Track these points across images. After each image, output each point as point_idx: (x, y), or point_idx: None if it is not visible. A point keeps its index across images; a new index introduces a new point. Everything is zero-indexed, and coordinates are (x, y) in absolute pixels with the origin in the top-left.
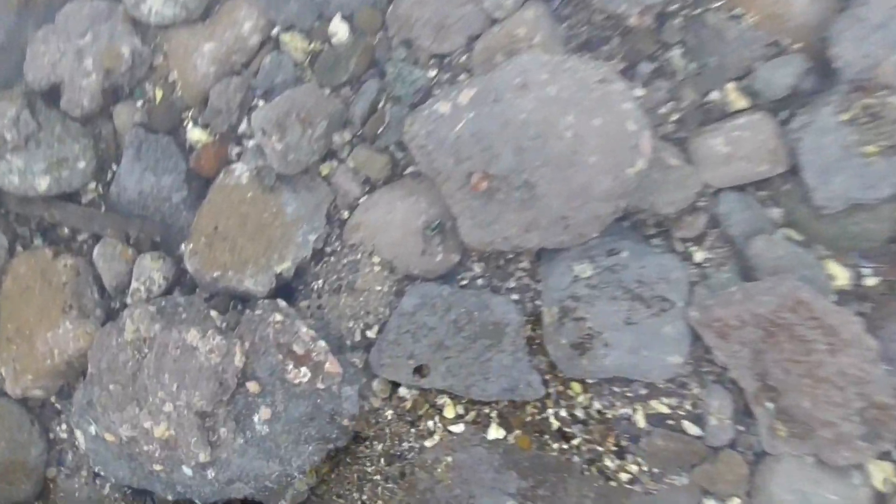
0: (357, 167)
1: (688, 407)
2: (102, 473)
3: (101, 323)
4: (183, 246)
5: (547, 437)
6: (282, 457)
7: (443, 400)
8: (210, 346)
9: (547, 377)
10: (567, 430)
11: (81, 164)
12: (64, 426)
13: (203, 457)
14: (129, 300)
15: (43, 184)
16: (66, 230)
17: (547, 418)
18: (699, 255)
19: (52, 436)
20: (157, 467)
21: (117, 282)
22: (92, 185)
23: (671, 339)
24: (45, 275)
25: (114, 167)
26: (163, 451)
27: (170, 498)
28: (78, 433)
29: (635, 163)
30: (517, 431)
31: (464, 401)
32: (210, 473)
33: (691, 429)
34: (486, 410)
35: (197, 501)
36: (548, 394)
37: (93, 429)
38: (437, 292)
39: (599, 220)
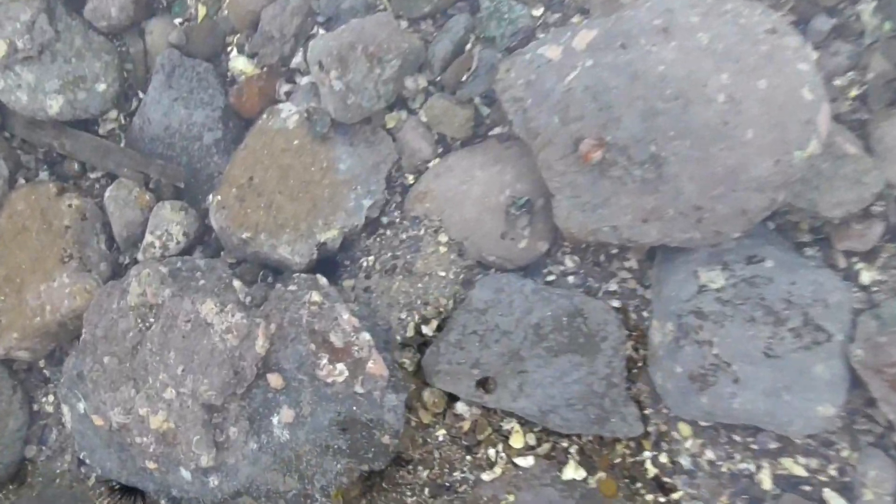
0: (431, 121)
1: (832, 472)
2: (88, 461)
3: (104, 280)
4: (210, 197)
5: (639, 485)
6: (302, 472)
7: (510, 424)
8: (228, 323)
9: (648, 412)
10: (667, 480)
11: (101, 87)
12: (51, 398)
13: (206, 460)
14: (139, 256)
15: (55, 105)
16: (76, 164)
17: (642, 462)
18: (868, 276)
19: (35, 407)
20: (151, 464)
21: (129, 232)
22: (112, 112)
23: (823, 381)
24: (45, 215)
25: (139, 94)
26: (158, 445)
27: (163, 502)
28: (65, 409)
29: (807, 144)
30: (601, 474)
31: (537, 429)
32: (212, 481)
33: (834, 501)
34: (565, 444)
35: None
36: (646, 433)
37: (81, 406)
38: (517, 287)
39: (746, 216)
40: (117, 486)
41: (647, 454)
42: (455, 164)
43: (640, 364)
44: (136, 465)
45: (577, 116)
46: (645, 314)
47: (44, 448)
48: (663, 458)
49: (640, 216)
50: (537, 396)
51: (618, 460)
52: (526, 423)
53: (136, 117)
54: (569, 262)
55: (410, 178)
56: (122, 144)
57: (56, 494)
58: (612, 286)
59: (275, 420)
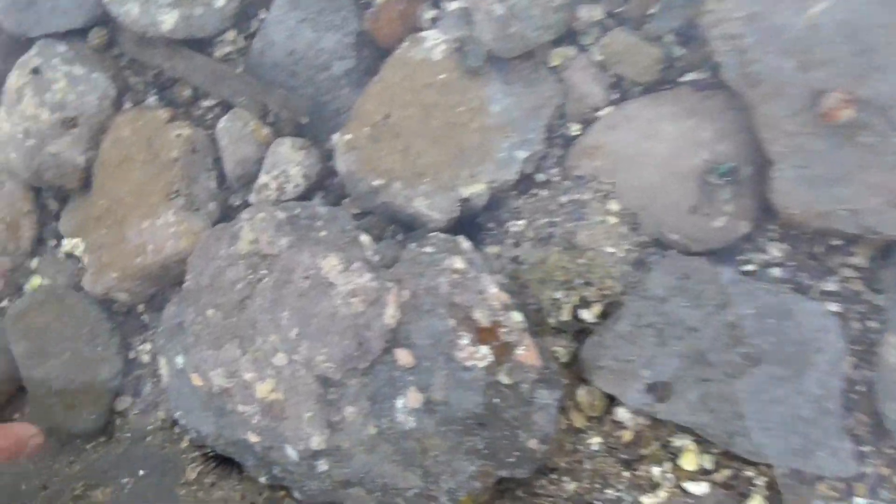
0: (607, 60)
1: None
2: (183, 422)
3: (212, 222)
4: (336, 136)
5: None
6: (427, 468)
7: (683, 441)
8: (353, 285)
9: (866, 449)
10: None
11: (220, 2)
12: (148, 346)
13: (317, 441)
14: (252, 198)
15: (168, 21)
16: (188, 90)
17: None
18: None
19: (131, 355)
20: (253, 437)
21: (242, 170)
22: (230, 33)
23: None
24: (151, 144)
25: (261, 13)
26: (263, 417)
27: (262, 480)
28: (161, 361)
29: None
30: None
31: (716, 450)
32: (321, 465)
33: None
34: (750, 473)
35: (296, 495)
36: (862, 474)
37: (180, 360)
38: (710, 275)
39: None
40: (212, 455)
41: (859, 501)
42: (636, 115)
43: (862, 388)
44: (236, 435)
45: (823, 62)
46: (872, 325)
47: (136, 401)
48: None
49: (892, 200)
50: (724, 413)
51: (818, 503)
52: (703, 443)
53: (257, 39)
54: (774, 251)
55: (575, 129)
56: (240, 70)
57: (145, 454)
58: (830, 285)
59: (400, 404)
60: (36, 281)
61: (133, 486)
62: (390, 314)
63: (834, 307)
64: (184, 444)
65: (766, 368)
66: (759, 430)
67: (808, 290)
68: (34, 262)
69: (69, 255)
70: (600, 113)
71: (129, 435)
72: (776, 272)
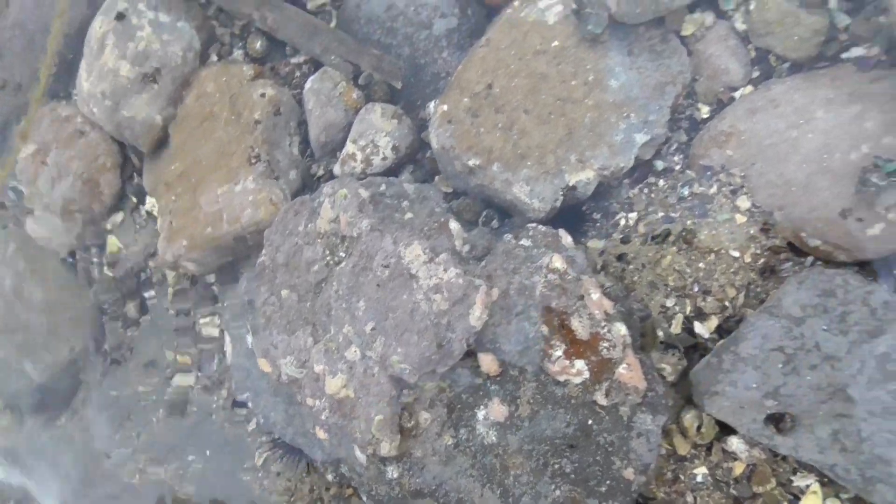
0: (753, 30)
1: None
2: (249, 405)
3: (292, 192)
4: (432, 105)
5: None
6: (507, 487)
7: (806, 482)
8: (437, 279)
9: None
10: None
11: None
12: (217, 320)
13: (387, 447)
14: (336, 169)
15: None
16: (260, 41)
17: None
18: None
19: (197, 328)
20: (321, 433)
21: (327, 137)
22: None
23: None
24: (234, 103)
25: None
26: (332, 414)
27: (329, 478)
28: (227, 338)
29: None
30: None
31: (846, 496)
32: (391, 472)
33: None
34: None
35: (363, 497)
36: None
37: (248, 340)
38: (860, 294)
39: None
40: (280, 443)
41: None
42: (782, 97)
43: None
44: (305, 427)
45: None
46: None
47: (200, 376)
48: None
49: None
50: (862, 455)
51: None
52: (831, 484)
53: None
54: None
55: (705, 111)
56: (333, 25)
57: (210, 431)
58: None
59: (480, 414)
60: (113, 241)
61: (198, 465)
62: (477, 315)
63: None
64: (250, 427)
65: None
66: None
67: None
68: (118, 218)
69: (150, 215)
70: (737, 94)
71: (195, 409)
72: None
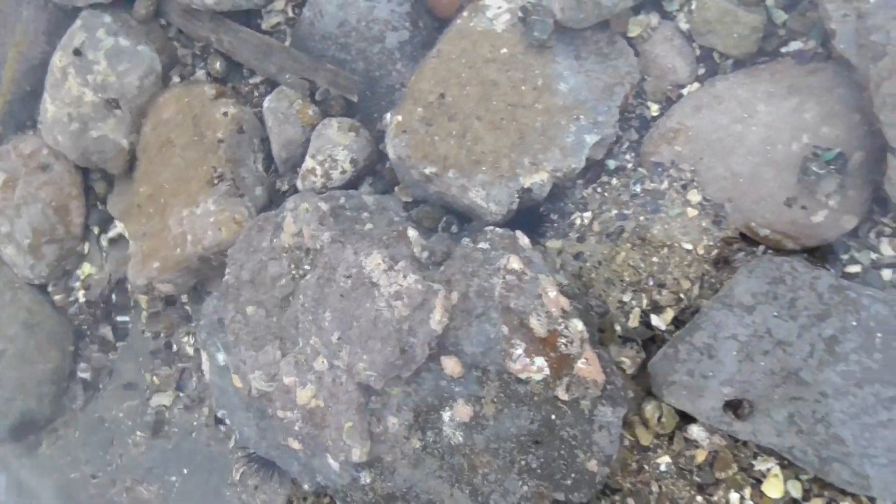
0: (695, 29)
1: None
2: (227, 421)
3: (258, 208)
4: (388, 117)
5: None
6: (476, 487)
7: (766, 465)
8: (398, 286)
9: None
10: None
11: None
12: (192, 339)
13: (358, 453)
14: (299, 184)
15: None
16: (219, 62)
17: None
18: None
19: (175, 349)
20: (294, 444)
21: (288, 153)
22: (279, 1)
23: None
24: (197, 123)
25: None
26: (305, 424)
27: (306, 487)
28: (203, 356)
29: None
30: None
31: (806, 477)
32: (364, 478)
33: None
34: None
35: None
36: None
37: (221, 357)
38: (807, 280)
39: None
40: (255, 457)
41: None
42: (726, 93)
43: None
44: (278, 440)
45: None
46: None
47: (181, 395)
48: None
49: None
50: (818, 436)
51: None
52: (790, 467)
53: (307, 9)
54: (887, 250)
55: (654, 109)
56: (288, 43)
57: (193, 450)
58: None
59: (446, 416)
60: (86, 268)
61: (181, 484)
62: (437, 319)
63: None
64: (230, 444)
65: (874, 389)
66: (861, 457)
67: None
68: (85, 247)
69: (116, 241)
70: (685, 91)
71: (176, 430)
72: (888, 274)
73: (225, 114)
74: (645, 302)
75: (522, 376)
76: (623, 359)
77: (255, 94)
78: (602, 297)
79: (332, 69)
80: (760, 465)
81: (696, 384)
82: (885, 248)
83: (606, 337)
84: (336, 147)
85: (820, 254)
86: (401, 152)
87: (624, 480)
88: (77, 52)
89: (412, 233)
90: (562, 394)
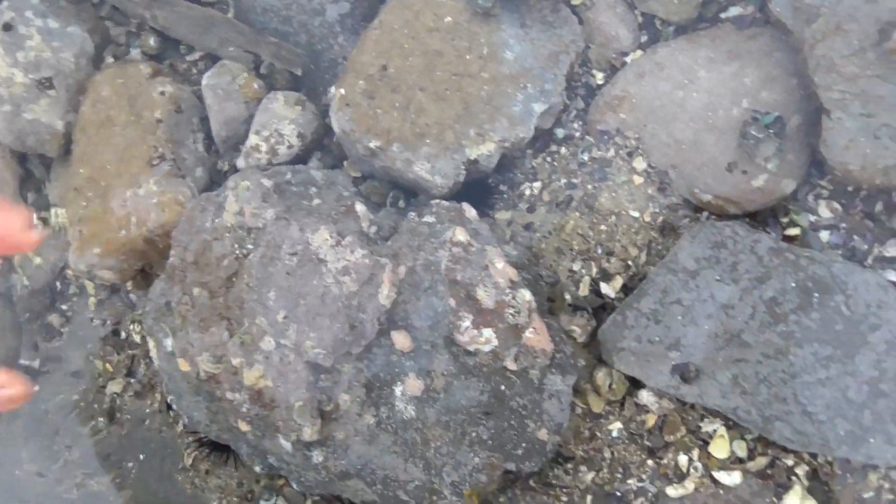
0: None
1: None
2: (175, 407)
3: (200, 189)
4: (332, 90)
5: None
6: (429, 460)
7: (712, 427)
8: (345, 262)
9: None
10: None
11: None
12: (138, 327)
13: (309, 432)
14: (240, 162)
15: None
16: (152, 38)
17: None
18: None
19: (123, 335)
20: (244, 426)
21: (229, 132)
22: None
23: None
24: (133, 103)
25: None
26: (253, 405)
27: (258, 469)
28: (151, 343)
29: None
30: None
31: (751, 436)
32: (316, 456)
33: None
34: (790, 462)
35: (293, 486)
36: None
37: (168, 343)
38: (747, 244)
39: None
40: (206, 441)
41: None
42: (667, 60)
43: None
44: (228, 423)
45: None
46: None
47: (132, 382)
48: None
49: None
50: (760, 396)
51: (869, 495)
52: (735, 427)
53: None
54: (825, 212)
55: (600, 77)
56: (231, 15)
57: (146, 437)
58: (891, 250)
59: (398, 391)
60: (29, 256)
61: (136, 471)
62: (385, 294)
63: (894, 277)
64: (179, 428)
65: (812, 348)
66: (801, 414)
67: (863, 258)
68: None
69: (58, 228)
70: (628, 59)
71: (128, 417)
72: (825, 236)
73: (162, 93)
74: (594, 270)
75: (471, 348)
76: (574, 327)
77: (194, 70)
78: (552, 266)
79: (275, 42)
80: (707, 427)
81: (644, 350)
82: (823, 211)
83: (557, 306)
84: (282, 122)
85: (761, 218)
86: (345, 126)
87: (577, 448)
88: (7, 27)
89: (360, 207)
90: (510, 364)
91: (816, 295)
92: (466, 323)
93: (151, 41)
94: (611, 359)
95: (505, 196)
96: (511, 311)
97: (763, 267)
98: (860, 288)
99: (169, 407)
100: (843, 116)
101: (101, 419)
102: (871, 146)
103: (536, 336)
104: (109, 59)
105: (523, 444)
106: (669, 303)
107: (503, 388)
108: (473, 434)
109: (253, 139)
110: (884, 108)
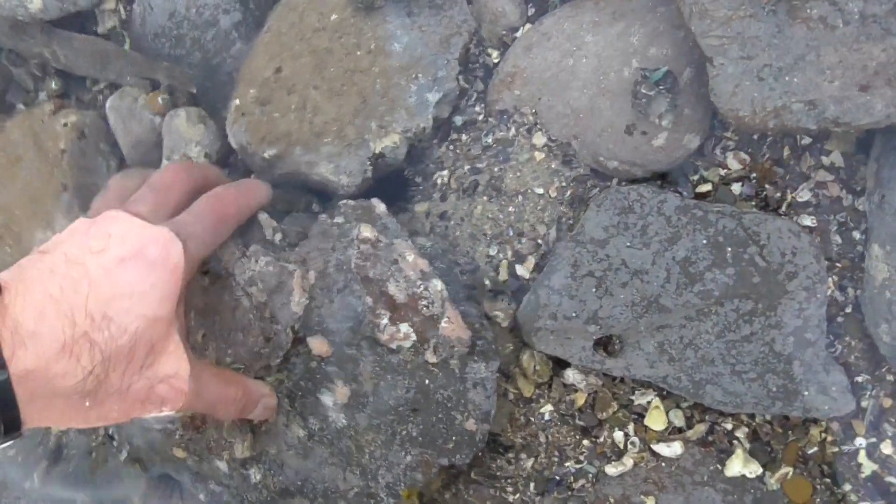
0: None
1: None
2: (115, 438)
3: None
4: (232, 102)
5: (848, 487)
6: (364, 466)
7: (646, 398)
8: (252, 271)
9: (861, 379)
10: (892, 480)
11: None
12: None
13: (240, 449)
14: None
15: (37, 1)
16: (73, 79)
17: (853, 454)
18: None
19: None
20: (180, 453)
21: (138, 153)
22: (109, 1)
23: None
24: (38, 140)
25: None
26: (185, 430)
27: (202, 498)
28: None
29: None
30: (786, 470)
31: (686, 404)
32: (254, 475)
33: None
34: (729, 426)
35: None
36: (860, 409)
37: None
38: (654, 205)
39: None
40: (152, 473)
41: (860, 442)
42: (553, 29)
43: (848, 310)
44: (165, 451)
45: None
46: (856, 235)
47: None
48: (887, 449)
49: (855, 81)
50: (688, 361)
51: (813, 450)
52: (669, 396)
53: (136, 4)
54: (733, 164)
55: (494, 56)
56: (128, 46)
57: (91, 471)
58: (804, 195)
59: (327, 400)
60: None
61: None
62: (296, 300)
63: (808, 221)
64: (122, 456)
65: (732, 304)
66: (730, 375)
67: (777, 206)
68: None
69: None
70: (517, 34)
71: (74, 452)
72: (738, 188)
73: (65, 124)
74: (510, 253)
75: (392, 346)
76: (497, 312)
77: (100, 98)
78: (469, 253)
79: (167, 65)
80: (640, 399)
81: (562, 327)
82: (732, 163)
83: (479, 293)
84: (189, 143)
85: (672, 178)
86: (241, 139)
87: (514, 436)
88: None
89: (262, 216)
90: (431, 357)
91: (729, 249)
92: (384, 320)
93: (53, 84)
94: (531, 340)
95: (421, 187)
96: (424, 302)
97: (672, 227)
98: (773, 236)
99: (111, 437)
100: (725, 62)
101: (49, 460)
102: (757, 89)
103: (451, 325)
104: (21, 106)
105: (453, 438)
106: (581, 276)
107: (427, 382)
108: (403, 433)
109: (163, 162)
110: (762, 48)
